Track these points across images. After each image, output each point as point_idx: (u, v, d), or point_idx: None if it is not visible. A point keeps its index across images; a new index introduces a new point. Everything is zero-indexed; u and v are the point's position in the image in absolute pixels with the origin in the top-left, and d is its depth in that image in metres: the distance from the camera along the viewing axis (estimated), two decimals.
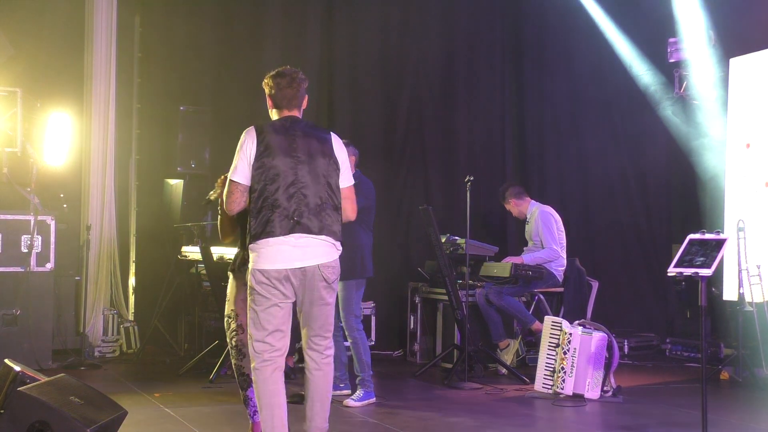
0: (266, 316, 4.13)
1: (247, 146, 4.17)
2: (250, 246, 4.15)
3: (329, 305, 4.24)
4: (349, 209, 4.40)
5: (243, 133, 4.24)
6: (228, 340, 4.70)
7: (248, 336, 4.22)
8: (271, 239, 4.08)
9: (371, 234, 6.27)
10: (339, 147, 4.36)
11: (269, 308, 4.13)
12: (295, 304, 4.24)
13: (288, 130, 4.23)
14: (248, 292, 4.20)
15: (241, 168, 4.17)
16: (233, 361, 4.70)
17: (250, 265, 4.18)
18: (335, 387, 6.24)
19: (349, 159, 6.11)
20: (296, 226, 4.09)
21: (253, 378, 4.22)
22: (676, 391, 6.87)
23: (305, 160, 4.18)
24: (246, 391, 4.63)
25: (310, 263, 4.13)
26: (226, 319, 4.75)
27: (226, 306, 4.77)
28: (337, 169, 4.30)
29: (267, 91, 4.36)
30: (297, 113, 4.34)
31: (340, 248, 4.27)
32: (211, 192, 4.82)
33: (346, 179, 4.36)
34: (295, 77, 4.31)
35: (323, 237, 4.16)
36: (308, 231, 4.11)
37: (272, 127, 4.25)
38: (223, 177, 4.53)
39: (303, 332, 4.29)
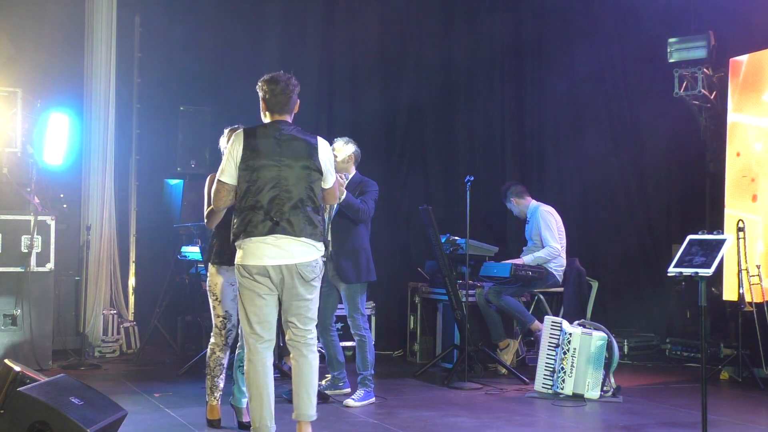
0: (252, 308, 4.43)
1: (234, 148, 4.44)
2: (235, 243, 4.46)
3: (308, 300, 4.50)
4: (330, 198, 4.77)
5: (232, 136, 4.53)
6: (222, 338, 5.12)
7: (240, 329, 4.59)
8: (253, 238, 4.37)
9: (368, 234, 6.28)
10: (324, 151, 4.57)
11: (254, 300, 4.42)
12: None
13: (275, 135, 4.47)
14: (238, 286, 4.53)
15: (228, 169, 4.46)
16: (216, 353, 5.12)
17: (236, 260, 4.49)
18: (335, 386, 6.27)
19: (349, 158, 6.15)
20: (275, 227, 4.35)
21: (245, 368, 4.51)
22: (676, 391, 6.87)
23: (289, 164, 4.42)
24: (216, 379, 5.13)
25: (288, 262, 4.39)
26: (220, 319, 5.11)
27: (217, 307, 5.11)
28: (320, 173, 4.52)
29: (261, 95, 4.59)
30: (288, 118, 4.58)
31: (322, 249, 4.53)
32: None
33: (329, 181, 4.62)
34: (288, 83, 4.55)
35: (302, 238, 4.41)
36: (287, 232, 4.38)
37: (261, 131, 4.50)
38: (211, 176, 4.96)
39: (284, 326, 4.55)
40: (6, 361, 4.70)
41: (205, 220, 4.95)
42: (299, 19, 9.03)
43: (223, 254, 5.05)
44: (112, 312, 8.12)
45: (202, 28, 8.78)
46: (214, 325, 5.15)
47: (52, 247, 7.32)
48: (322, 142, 4.57)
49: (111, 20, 8.24)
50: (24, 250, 7.19)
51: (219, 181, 4.48)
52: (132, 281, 8.56)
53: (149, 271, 8.53)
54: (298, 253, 4.40)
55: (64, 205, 8.02)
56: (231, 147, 4.46)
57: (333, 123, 8.97)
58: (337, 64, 9.17)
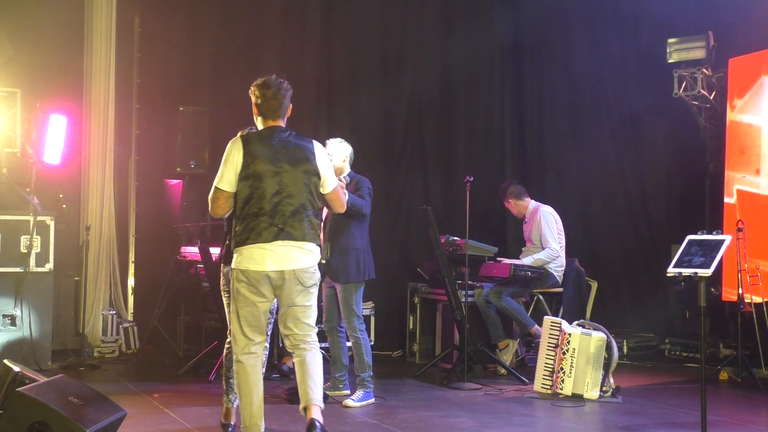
0: (244, 313, 4.45)
1: (233, 156, 4.44)
2: (235, 249, 4.45)
3: (306, 306, 4.51)
4: (338, 206, 4.76)
5: (229, 143, 4.51)
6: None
7: (229, 330, 4.60)
8: (256, 244, 4.37)
9: (367, 235, 6.26)
10: (321, 155, 4.61)
11: (247, 306, 4.44)
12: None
13: (273, 141, 4.49)
14: (230, 289, 4.53)
15: (227, 177, 4.45)
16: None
17: (232, 265, 4.47)
18: (335, 387, 6.27)
19: (346, 156, 6.14)
20: (280, 233, 4.38)
21: (234, 368, 4.53)
22: (676, 391, 6.87)
23: (288, 170, 4.45)
24: (232, 379, 4.92)
25: (288, 267, 4.41)
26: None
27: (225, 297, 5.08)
28: (319, 177, 4.56)
29: (253, 99, 4.61)
30: (281, 122, 4.60)
31: (319, 254, 4.57)
32: None
33: (329, 184, 4.65)
34: (280, 88, 4.57)
35: (304, 243, 4.45)
36: (291, 237, 4.41)
37: (258, 138, 4.52)
38: None
39: (282, 331, 4.56)
40: (5, 361, 4.70)
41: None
42: (299, 19, 9.03)
43: None
44: (111, 312, 8.12)
45: (202, 28, 8.78)
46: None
47: (52, 247, 7.32)
48: (318, 146, 4.61)
49: (110, 21, 8.24)
50: (23, 250, 7.19)
51: (217, 188, 4.48)
52: (131, 281, 8.56)
53: (148, 272, 8.53)
54: (297, 258, 4.43)
55: (64, 206, 8.02)
56: (229, 154, 4.46)
57: (333, 123, 8.97)
58: (337, 64, 9.17)
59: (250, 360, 4.47)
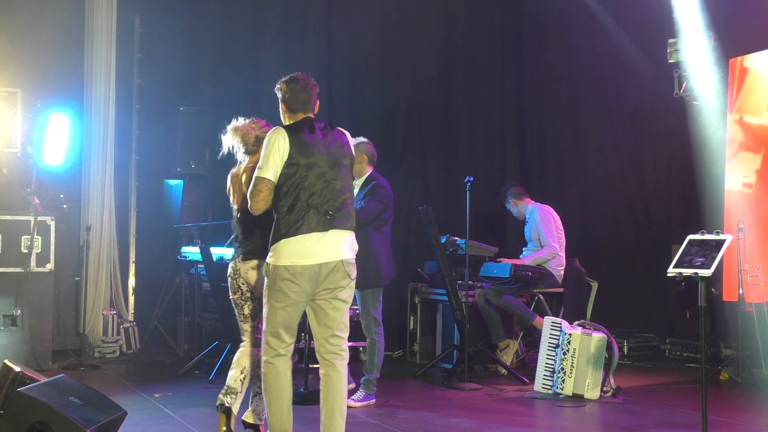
0: (283, 312, 4.25)
1: (278, 145, 4.26)
2: (280, 242, 4.22)
3: (347, 303, 4.34)
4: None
5: (271, 133, 4.34)
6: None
7: (262, 330, 4.35)
8: (307, 235, 4.20)
9: (388, 239, 6.26)
10: (352, 144, 4.57)
11: (287, 306, 4.24)
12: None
13: (314, 131, 4.38)
14: (266, 285, 4.28)
15: (273, 166, 4.26)
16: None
17: (270, 261, 4.25)
18: (367, 397, 6.16)
19: (361, 158, 6.11)
20: (331, 221, 4.25)
21: (263, 371, 4.34)
22: (676, 391, 6.87)
23: (333, 159, 4.35)
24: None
25: (338, 258, 4.26)
26: None
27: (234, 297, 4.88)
28: (353, 165, 4.54)
29: (280, 96, 4.50)
30: (311, 115, 4.49)
31: (356, 246, 4.42)
32: None
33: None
34: (308, 82, 4.49)
35: (349, 233, 4.36)
36: (341, 226, 4.30)
37: (299, 127, 4.38)
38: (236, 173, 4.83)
39: (316, 333, 4.34)
40: (6, 361, 4.70)
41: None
42: (299, 18, 9.03)
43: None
44: (111, 312, 8.12)
45: (202, 28, 8.78)
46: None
47: (52, 247, 7.32)
48: (348, 135, 4.55)
49: (111, 21, 8.25)
50: (24, 250, 7.19)
51: (263, 179, 4.25)
52: (132, 282, 8.56)
53: (149, 272, 8.53)
54: (346, 249, 4.31)
55: (64, 206, 8.02)
56: (275, 144, 4.26)
57: (333, 122, 8.96)
58: (337, 63, 9.17)
59: (282, 362, 4.29)
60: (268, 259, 4.27)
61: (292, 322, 4.28)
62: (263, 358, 4.34)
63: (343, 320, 4.33)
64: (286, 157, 4.24)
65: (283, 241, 4.21)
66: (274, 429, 4.30)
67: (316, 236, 4.21)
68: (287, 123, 4.47)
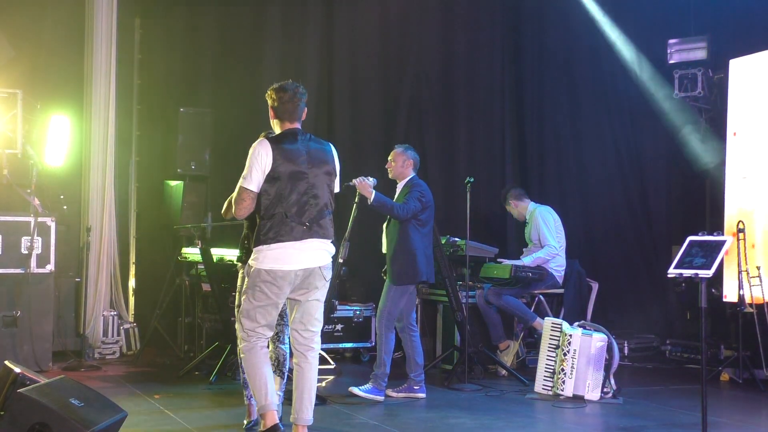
0: (262, 311, 4.58)
1: (261, 156, 4.53)
2: (260, 247, 4.53)
3: (320, 301, 4.70)
4: None
5: (255, 144, 4.60)
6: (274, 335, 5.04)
7: (238, 322, 4.65)
8: (286, 243, 4.50)
9: (426, 239, 6.37)
10: (336, 156, 4.81)
11: (267, 306, 4.58)
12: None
13: (297, 143, 4.62)
14: (246, 284, 4.62)
15: (256, 177, 4.53)
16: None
17: (252, 263, 4.57)
18: (410, 389, 6.36)
19: (405, 163, 6.36)
20: (308, 231, 4.55)
21: (242, 357, 4.66)
22: (676, 392, 6.87)
23: (314, 171, 4.62)
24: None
25: (314, 265, 4.58)
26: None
27: (238, 297, 5.11)
28: (336, 177, 4.78)
29: (270, 102, 4.74)
30: (297, 125, 4.72)
31: (333, 250, 4.73)
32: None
33: (338, 185, 4.85)
34: (296, 92, 4.71)
35: (326, 241, 4.65)
36: (317, 235, 4.59)
37: (282, 139, 4.64)
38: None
39: (292, 326, 4.68)
40: (6, 362, 4.71)
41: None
42: (299, 19, 9.03)
43: None
44: (112, 313, 8.11)
45: (203, 29, 8.79)
46: None
47: (53, 248, 7.32)
48: (333, 148, 4.81)
49: (111, 22, 8.23)
50: (24, 251, 7.19)
51: (245, 189, 4.55)
52: (132, 283, 8.55)
53: (149, 273, 8.52)
54: (322, 256, 4.62)
55: (65, 207, 8.01)
56: (257, 156, 4.53)
57: (333, 124, 8.98)
58: (337, 65, 9.17)
59: (260, 342, 4.59)
60: (250, 261, 4.60)
61: (271, 318, 4.61)
62: (240, 345, 4.65)
63: (316, 316, 4.67)
64: (268, 170, 4.51)
65: (264, 247, 4.52)
66: (260, 404, 4.57)
67: (295, 245, 4.51)
68: (275, 129, 4.76)
